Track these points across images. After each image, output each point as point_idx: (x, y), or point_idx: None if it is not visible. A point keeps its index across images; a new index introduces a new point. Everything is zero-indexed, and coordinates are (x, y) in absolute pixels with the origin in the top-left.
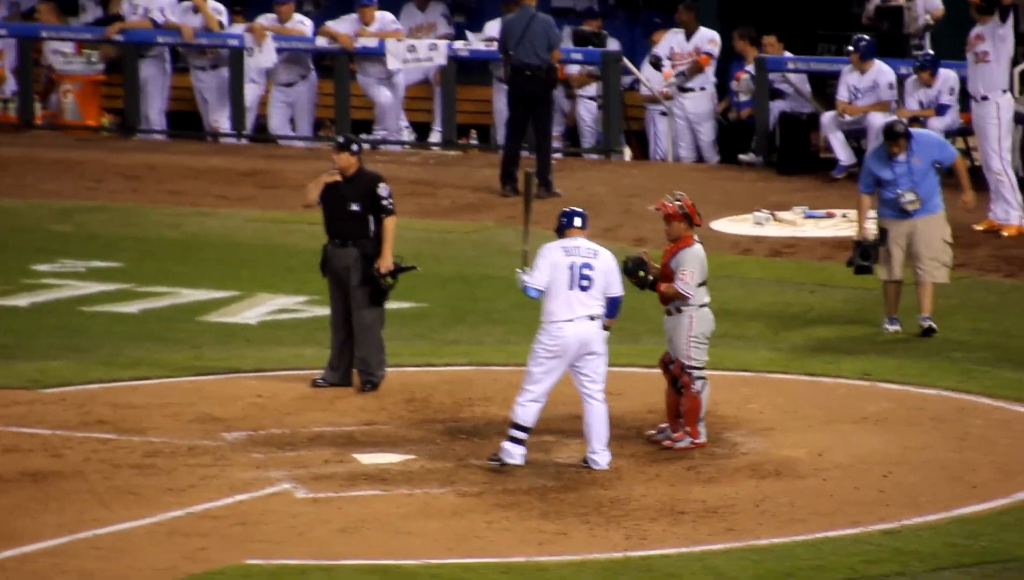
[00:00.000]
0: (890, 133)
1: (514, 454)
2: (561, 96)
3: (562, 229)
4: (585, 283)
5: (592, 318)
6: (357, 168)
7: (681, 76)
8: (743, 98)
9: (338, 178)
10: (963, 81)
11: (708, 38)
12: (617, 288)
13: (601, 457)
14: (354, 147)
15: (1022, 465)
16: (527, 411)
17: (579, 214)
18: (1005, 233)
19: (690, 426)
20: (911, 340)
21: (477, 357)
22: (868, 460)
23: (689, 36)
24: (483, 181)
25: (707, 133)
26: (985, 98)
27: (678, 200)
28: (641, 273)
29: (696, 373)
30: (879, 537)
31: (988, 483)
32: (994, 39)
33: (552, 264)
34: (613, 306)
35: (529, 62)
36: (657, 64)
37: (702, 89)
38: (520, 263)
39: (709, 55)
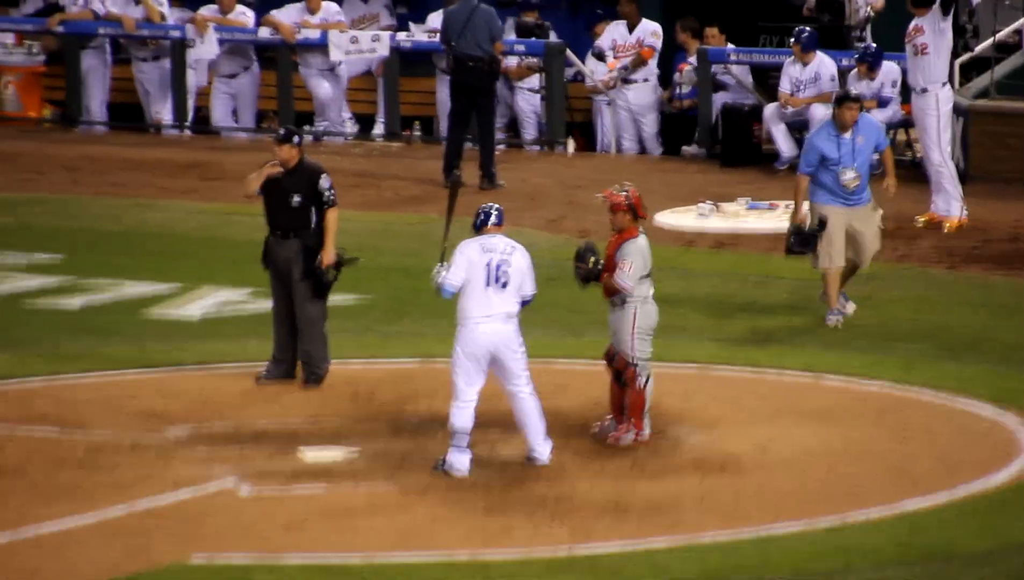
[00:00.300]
0: (845, 98)
1: (460, 464)
2: (503, 87)
3: (479, 226)
4: (502, 281)
5: (508, 316)
6: (299, 160)
7: (624, 69)
8: (685, 90)
9: (280, 170)
10: (904, 73)
11: (651, 31)
12: (531, 288)
13: (542, 450)
14: (295, 139)
15: (964, 458)
16: (462, 416)
17: (496, 211)
18: (946, 225)
19: (635, 419)
20: (854, 333)
21: (422, 350)
22: (812, 454)
23: (631, 28)
24: (427, 173)
25: (650, 125)
26: (925, 90)
27: (625, 191)
28: (592, 259)
29: (640, 367)
30: (823, 533)
31: (931, 476)
32: (934, 32)
33: (469, 261)
34: (523, 306)
35: (471, 53)
36: (601, 56)
37: (645, 81)
38: (436, 261)
39: (652, 48)
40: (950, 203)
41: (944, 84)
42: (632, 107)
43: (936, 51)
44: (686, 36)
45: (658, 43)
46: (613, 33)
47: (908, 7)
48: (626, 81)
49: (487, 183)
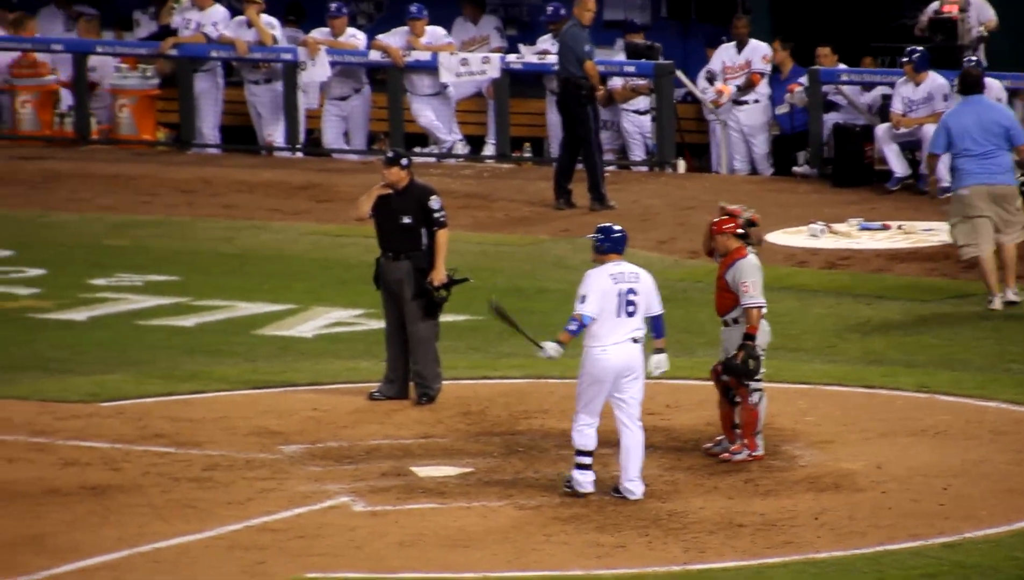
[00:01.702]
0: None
1: (584, 483)
2: (609, 109)
3: (605, 252)
4: (631, 309)
5: (635, 341)
6: (408, 181)
7: (736, 90)
8: (783, 111)
9: (389, 190)
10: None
11: (761, 54)
12: (658, 307)
13: (636, 486)
14: (403, 161)
15: None
16: (585, 436)
17: (623, 240)
18: None
19: (748, 438)
20: (969, 353)
21: (533, 370)
22: (927, 473)
23: (740, 48)
24: (537, 194)
25: (761, 145)
26: None
27: (749, 211)
28: (752, 363)
29: (753, 385)
30: (939, 550)
31: None
32: None
33: (602, 292)
34: (659, 325)
35: (563, 76)
36: (712, 80)
37: (755, 101)
38: (533, 347)
39: (760, 73)
40: None
41: None
42: (743, 127)
43: None
44: (784, 55)
45: (767, 67)
46: (722, 55)
47: None
48: (737, 102)
49: (596, 204)
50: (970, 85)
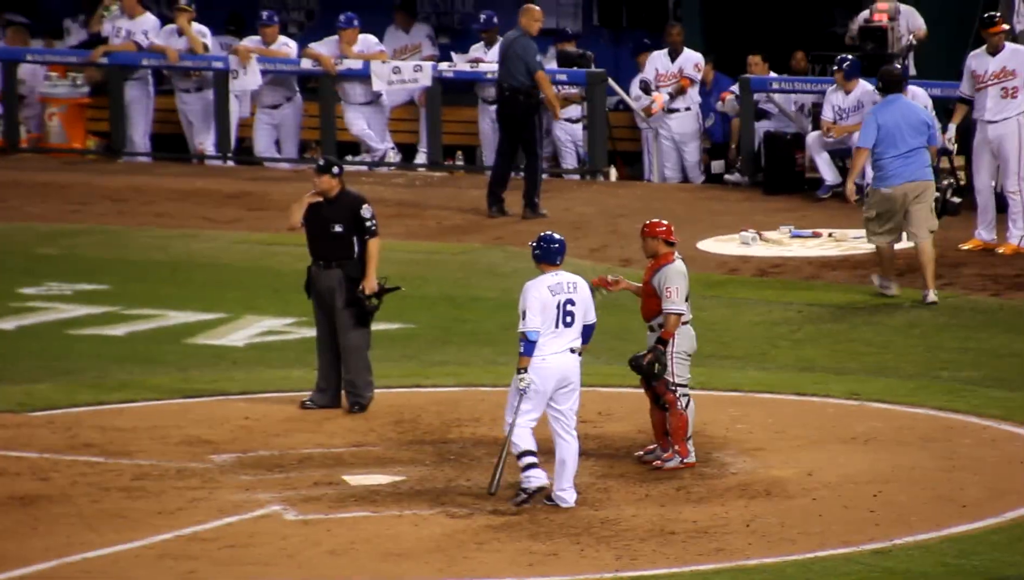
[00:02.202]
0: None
1: (539, 476)
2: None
3: (546, 262)
4: (569, 319)
5: (572, 351)
6: (340, 189)
7: (668, 98)
8: (710, 123)
9: (320, 198)
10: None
11: (693, 61)
12: (592, 315)
13: (569, 494)
14: (335, 169)
15: (1011, 484)
16: (522, 438)
17: (560, 247)
18: (1002, 249)
19: (678, 444)
20: (899, 360)
21: (465, 378)
22: (857, 480)
23: (674, 57)
24: (469, 202)
25: (692, 153)
26: (1007, 118)
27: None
28: (657, 367)
29: (680, 390)
30: (870, 557)
31: (978, 502)
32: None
33: (543, 304)
34: (588, 333)
35: (508, 84)
36: (647, 89)
37: (687, 109)
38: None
39: (690, 79)
40: (1011, 230)
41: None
42: (675, 135)
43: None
44: (707, 68)
45: (698, 75)
46: (656, 63)
47: (990, 43)
48: (669, 110)
49: (529, 213)
50: (892, 84)
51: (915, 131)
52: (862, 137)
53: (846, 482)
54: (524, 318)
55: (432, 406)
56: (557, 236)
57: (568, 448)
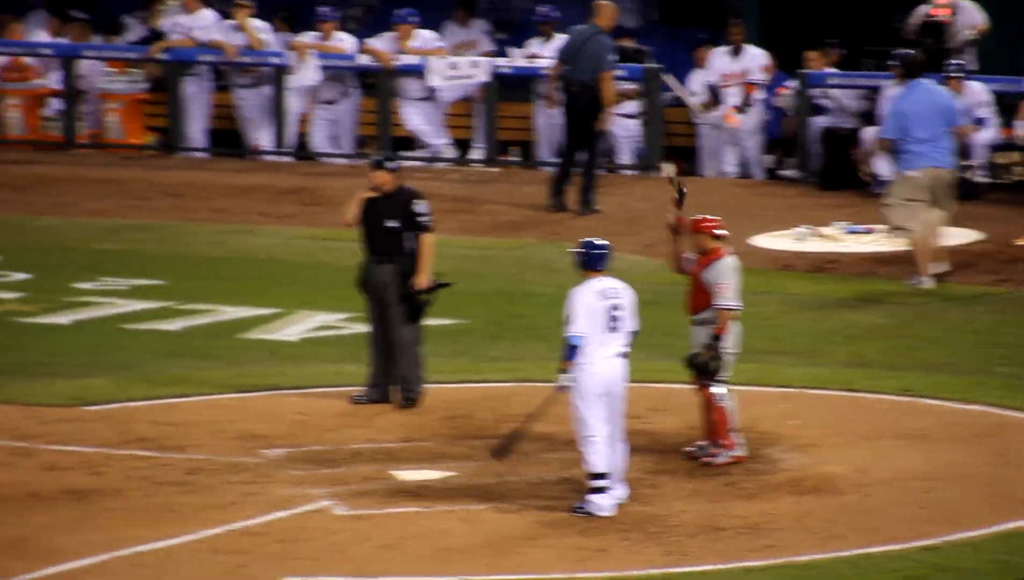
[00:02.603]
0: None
1: (606, 507)
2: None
3: (589, 268)
4: (616, 325)
5: (621, 354)
6: (395, 185)
7: (741, 110)
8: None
9: (374, 194)
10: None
11: (759, 63)
12: (634, 324)
13: (617, 491)
14: (389, 165)
15: None
16: (601, 457)
17: (607, 255)
18: None
19: (723, 438)
20: (953, 356)
21: (519, 373)
22: (909, 476)
23: (736, 53)
24: (525, 198)
25: (752, 148)
26: None
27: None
28: (713, 364)
29: (718, 385)
30: (920, 553)
31: None
32: None
33: (590, 310)
34: (630, 340)
35: (575, 78)
36: (716, 95)
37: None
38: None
39: (756, 84)
40: None
41: None
42: (734, 131)
43: None
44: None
45: (765, 76)
46: (718, 64)
47: None
48: (740, 110)
49: (583, 209)
50: (913, 69)
51: (941, 117)
52: (885, 127)
53: (897, 478)
54: (570, 323)
55: (484, 401)
56: (601, 241)
57: (616, 454)
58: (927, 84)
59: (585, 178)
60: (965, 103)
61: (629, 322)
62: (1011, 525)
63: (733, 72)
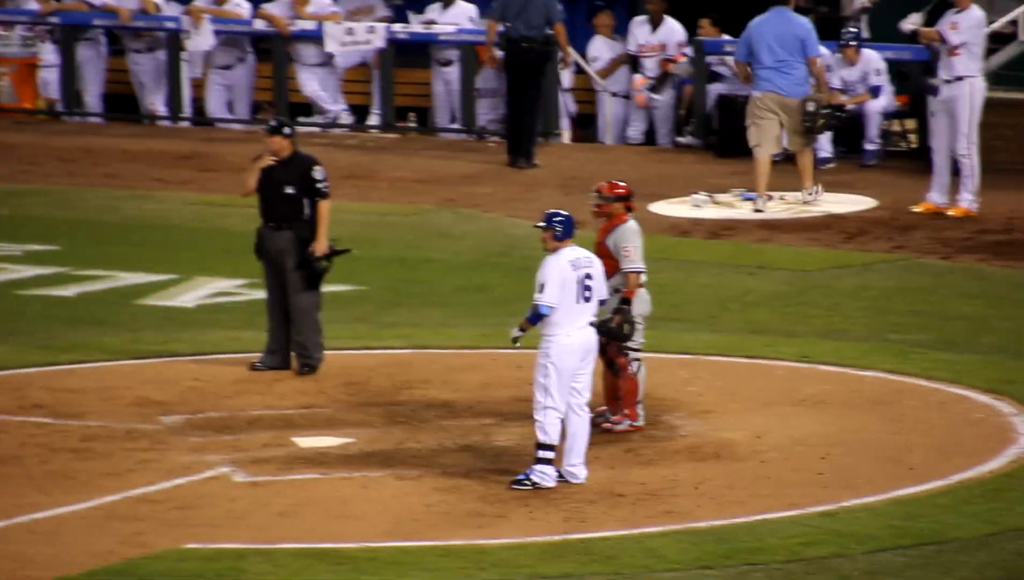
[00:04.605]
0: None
1: (550, 477)
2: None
3: (562, 238)
4: (588, 294)
5: (592, 325)
6: (291, 151)
7: (652, 85)
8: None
9: (273, 160)
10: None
11: (676, 39)
12: (604, 292)
13: (580, 471)
14: (286, 130)
15: (958, 446)
16: (555, 429)
17: (570, 222)
18: (951, 212)
19: (628, 408)
20: (849, 323)
21: (416, 340)
22: (806, 442)
23: (655, 27)
24: (422, 164)
25: (664, 119)
26: (960, 79)
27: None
28: (626, 328)
29: (632, 354)
30: (817, 519)
31: (925, 465)
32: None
33: (564, 280)
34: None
35: (526, 34)
36: (636, 65)
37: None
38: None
39: (670, 60)
40: (961, 193)
41: (977, 76)
42: (648, 98)
43: (974, 43)
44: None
45: (681, 52)
46: (637, 34)
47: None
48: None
49: (524, 162)
50: None
51: (787, 44)
52: (737, 50)
53: (795, 445)
54: (542, 291)
55: (383, 368)
56: (564, 212)
57: (581, 423)
58: (787, 12)
59: (526, 132)
60: (861, 70)
61: (600, 291)
62: (907, 491)
63: (651, 44)
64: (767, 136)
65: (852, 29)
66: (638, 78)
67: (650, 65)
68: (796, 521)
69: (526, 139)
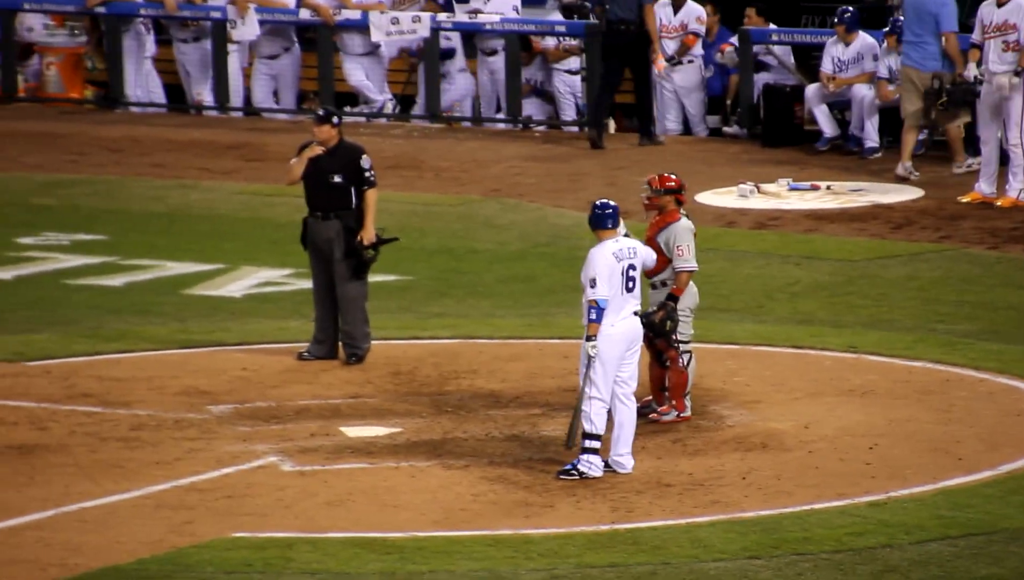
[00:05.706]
0: None
1: (597, 466)
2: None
3: (603, 228)
4: (631, 284)
5: (636, 314)
6: (338, 140)
7: (671, 61)
8: (709, 74)
9: (320, 151)
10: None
11: (695, 15)
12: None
13: (627, 460)
14: (334, 119)
15: (1006, 437)
16: (601, 419)
17: (617, 212)
18: (999, 202)
19: (676, 399)
20: (896, 313)
21: (463, 330)
22: (854, 432)
23: (676, 9)
24: (468, 154)
25: (694, 105)
26: (1018, 73)
27: (672, 177)
28: (669, 324)
29: (682, 347)
30: (865, 509)
31: (973, 455)
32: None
33: (611, 271)
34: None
35: (623, 17)
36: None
37: (690, 61)
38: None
39: (695, 35)
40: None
41: None
42: (677, 88)
43: None
44: (714, 19)
45: (702, 28)
46: (658, 15)
47: None
48: (672, 62)
49: (646, 140)
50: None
51: (920, 19)
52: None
53: (842, 435)
54: (594, 286)
55: (429, 358)
56: (610, 201)
57: (628, 413)
58: None
59: (644, 111)
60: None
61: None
62: (954, 481)
63: (672, 26)
64: (908, 108)
65: (900, 18)
66: (654, 57)
67: (671, 47)
68: (844, 511)
69: (646, 119)
